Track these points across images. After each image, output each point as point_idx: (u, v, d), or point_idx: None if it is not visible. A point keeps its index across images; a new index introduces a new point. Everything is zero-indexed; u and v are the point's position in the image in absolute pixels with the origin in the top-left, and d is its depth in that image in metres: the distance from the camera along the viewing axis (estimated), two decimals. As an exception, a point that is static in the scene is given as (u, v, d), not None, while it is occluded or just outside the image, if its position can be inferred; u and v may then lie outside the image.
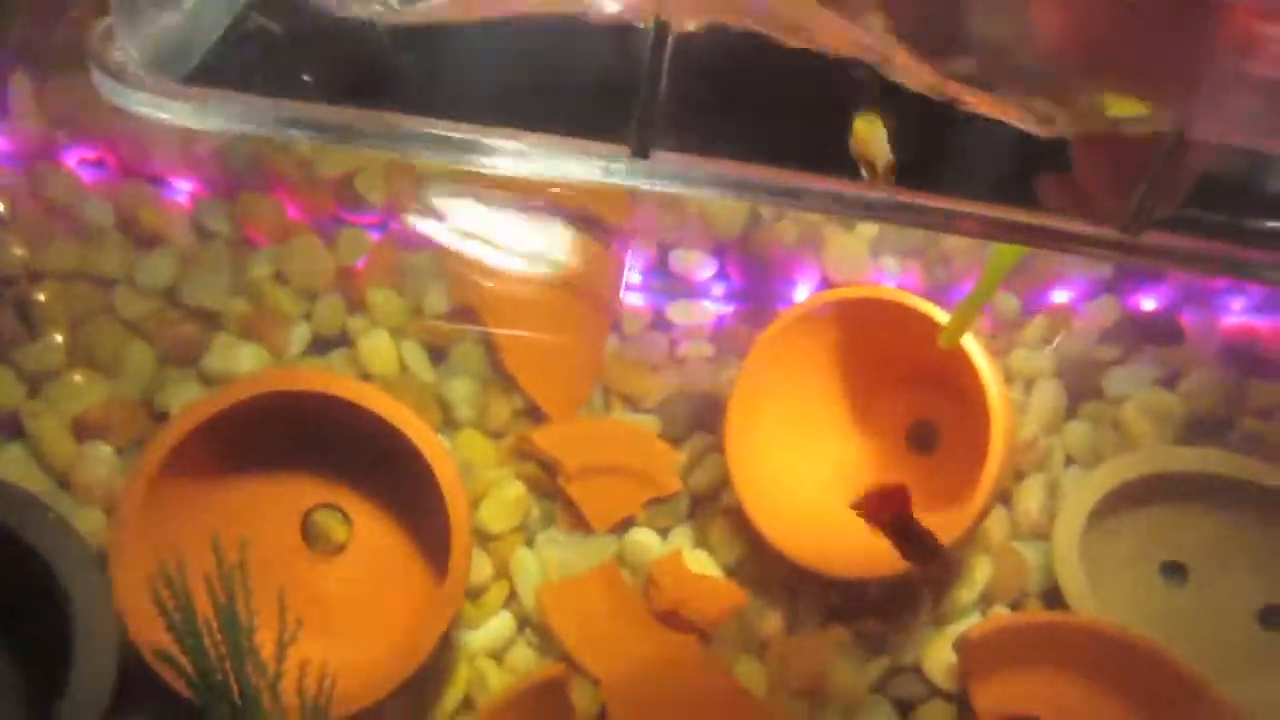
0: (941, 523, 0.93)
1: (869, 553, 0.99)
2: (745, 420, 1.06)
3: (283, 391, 0.99)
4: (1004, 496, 1.04)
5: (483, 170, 0.46)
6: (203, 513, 1.01)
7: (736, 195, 0.46)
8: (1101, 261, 1.03)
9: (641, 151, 0.44)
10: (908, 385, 1.09)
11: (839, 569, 0.99)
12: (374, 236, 1.17)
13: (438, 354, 1.17)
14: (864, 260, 1.12)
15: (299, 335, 1.14)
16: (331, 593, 1.06)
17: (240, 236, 1.14)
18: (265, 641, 0.88)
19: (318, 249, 1.15)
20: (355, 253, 1.16)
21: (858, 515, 0.82)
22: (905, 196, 0.45)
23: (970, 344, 0.93)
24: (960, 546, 0.99)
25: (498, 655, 1.07)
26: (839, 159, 0.45)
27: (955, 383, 1.00)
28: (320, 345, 1.16)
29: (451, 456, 0.98)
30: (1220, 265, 0.46)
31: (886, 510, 0.83)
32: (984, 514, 0.92)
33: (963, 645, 0.94)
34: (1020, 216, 0.45)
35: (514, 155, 0.45)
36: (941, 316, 0.94)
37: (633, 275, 1.21)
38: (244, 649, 0.83)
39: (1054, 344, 1.05)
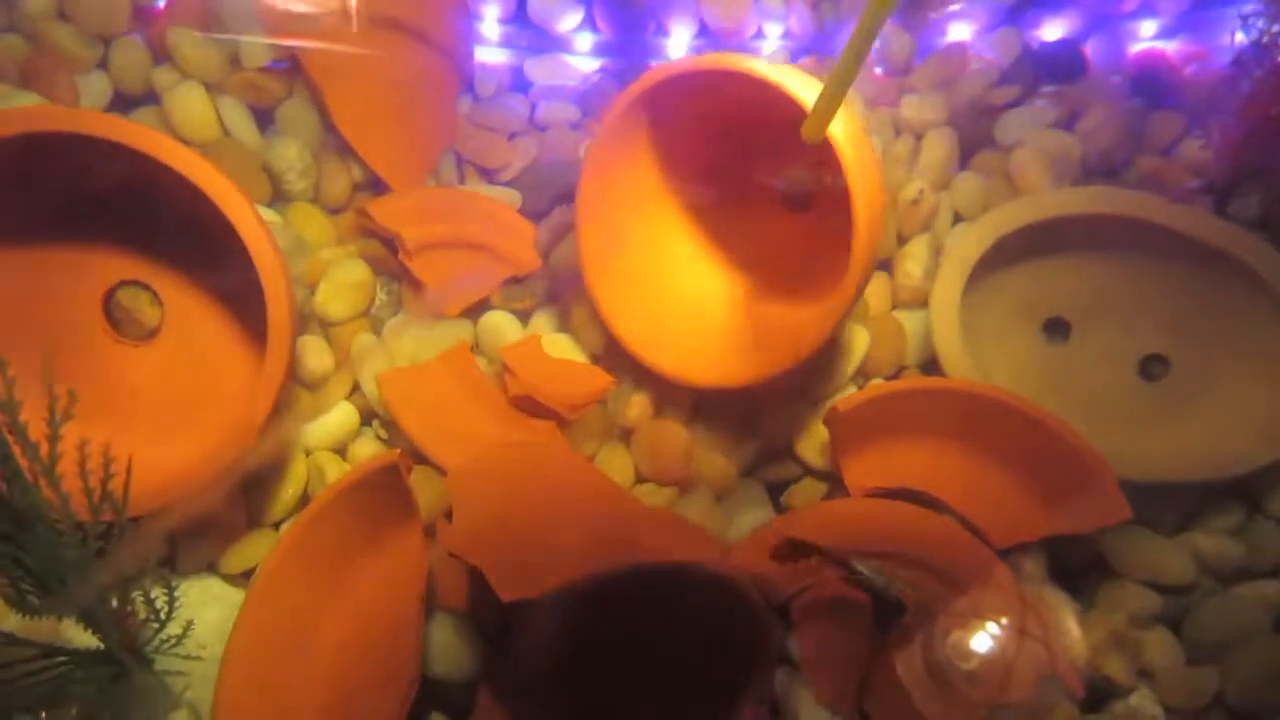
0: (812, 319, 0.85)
1: (727, 359, 0.92)
2: (598, 210, 0.93)
3: (57, 134, 0.82)
4: (885, 263, 0.96)
5: None
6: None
7: None
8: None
9: None
10: (771, 158, 0.96)
11: (695, 376, 0.90)
12: (176, -31, 1.00)
13: (263, 116, 1.02)
14: (745, 2, 0.98)
15: (94, 87, 0.98)
16: (143, 382, 0.94)
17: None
18: (69, 434, 0.77)
19: (105, -21, 0.97)
20: (153, -12, 0.99)
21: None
22: None
23: (838, 133, 0.78)
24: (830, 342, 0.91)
25: (340, 449, 0.98)
26: None
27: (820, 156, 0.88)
28: (123, 102, 1.00)
29: (263, 221, 0.84)
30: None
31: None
32: (849, 309, 0.82)
33: (832, 418, 0.86)
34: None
35: None
36: (797, 90, 0.78)
37: (486, 25, 1.06)
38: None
39: (948, 87, 0.94)
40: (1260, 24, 0.81)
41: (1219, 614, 0.85)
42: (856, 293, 0.80)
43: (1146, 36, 0.99)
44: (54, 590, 0.74)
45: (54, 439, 0.75)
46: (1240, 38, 0.83)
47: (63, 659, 0.78)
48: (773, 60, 1.04)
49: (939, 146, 0.95)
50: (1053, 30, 0.98)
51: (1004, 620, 0.80)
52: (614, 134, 0.90)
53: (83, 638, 0.79)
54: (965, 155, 0.97)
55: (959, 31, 0.99)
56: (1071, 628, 0.84)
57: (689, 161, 0.96)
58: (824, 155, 0.79)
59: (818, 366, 0.94)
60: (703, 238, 1.00)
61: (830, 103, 0.72)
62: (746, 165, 0.97)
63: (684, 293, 0.98)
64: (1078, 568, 0.88)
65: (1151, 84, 0.95)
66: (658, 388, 0.97)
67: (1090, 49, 0.97)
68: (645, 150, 0.94)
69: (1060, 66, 0.94)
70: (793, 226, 0.98)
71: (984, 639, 0.79)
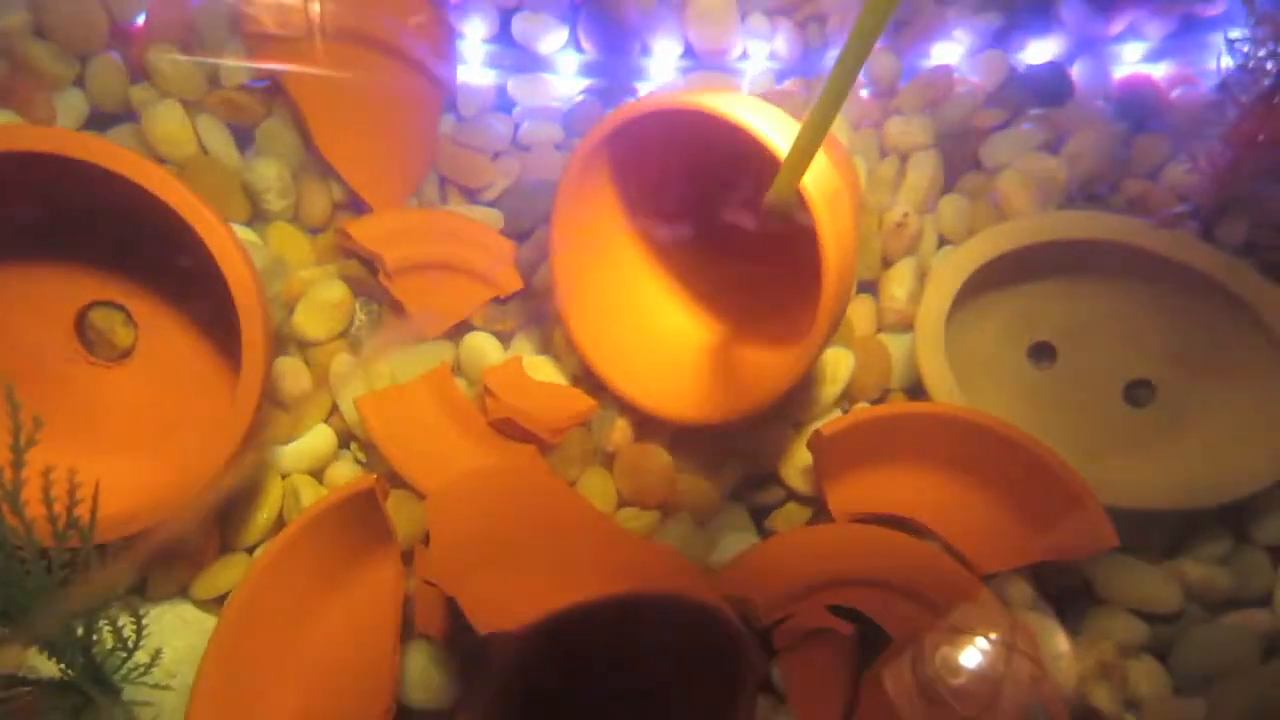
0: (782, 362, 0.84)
1: (699, 396, 0.91)
2: (571, 244, 0.92)
3: (27, 154, 0.80)
4: (870, 286, 0.95)
5: None
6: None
7: None
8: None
9: None
10: (742, 194, 0.95)
11: (668, 411, 0.90)
12: (154, -13, 0.99)
13: (242, 135, 1.01)
14: (730, 21, 0.98)
15: (71, 104, 0.97)
16: (115, 404, 0.93)
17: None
18: (35, 459, 0.75)
19: (83, -3, 0.96)
20: (131, 4, 0.98)
21: None
22: None
23: (810, 186, 0.76)
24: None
25: (317, 472, 0.96)
26: None
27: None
28: (100, 120, 0.99)
29: (237, 242, 0.83)
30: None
31: None
32: (816, 357, 0.82)
33: (816, 443, 0.85)
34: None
35: None
36: (759, 126, 0.77)
37: (469, 45, 1.06)
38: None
39: (933, 109, 0.93)
40: (1246, 49, 0.81)
41: (1207, 643, 0.84)
42: (823, 342, 0.80)
43: (1132, 60, 0.99)
44: (15, 620, 0.72)
45: (18, 464, 0.73)
46: (1226, 62, 0.83)
47: (26, 689, 0.76)
48: (756, 83, 1.04)
49: (924, 169, 0.94)
50: (1038, 53, 0.98)
51: (993, 636, 0.78)
52: (581, 177, 0.89)
53: (48, 667, 0.77)
54: (951, 178, 0.97)
55: (945, 54, 0.99)
56: (1061, 645, 0.83)
57: (659, 200, 0.96)
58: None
59: (801, 391, 0.93)
60: (675, 275, 0.99)
61: (790, 178, 0.71)
62: (717, 202, 0.96)
63: (657, 329, 0.98)
64: (1064, 595, 0.87)
65: (1137, 107, 0.95)
66: (640, 411, 0.96)
67: (1076, 72, 0.97)
68: (614, 191, 0.93)
69: (1046, 90, 0.94)
70: (765, 264, 0.97)
71: (973, 654, 0.77)
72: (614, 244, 0.96)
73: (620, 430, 0.95)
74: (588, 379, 0.98)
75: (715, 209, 0.96)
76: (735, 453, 0.95)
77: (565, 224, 0.91)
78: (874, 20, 0.53)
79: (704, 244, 0.98)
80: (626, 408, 0.94)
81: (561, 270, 0.92)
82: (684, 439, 0.96)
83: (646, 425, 0.95)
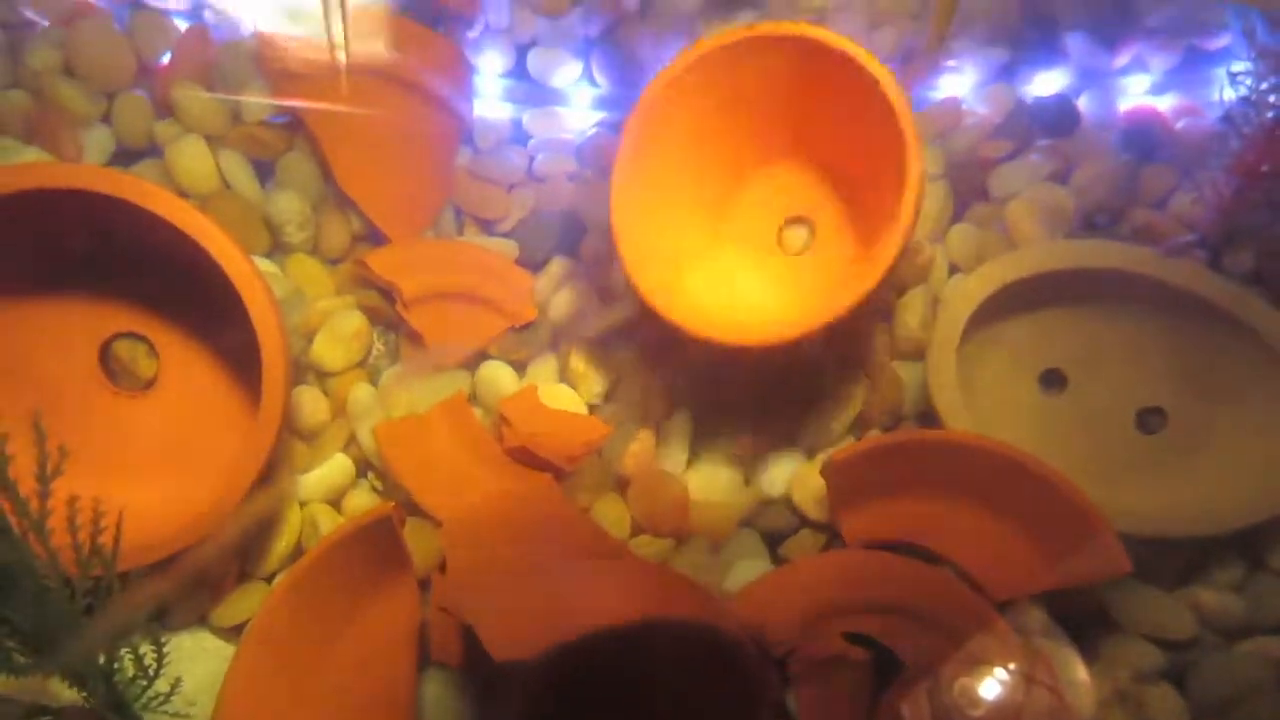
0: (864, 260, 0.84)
1: (759, 319, 0.90)
2: (632, 181, 0.92)
3: (56, 190, 0.82)
4: (884, 313, 0.96)
5: None
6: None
7: None
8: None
9: None
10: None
11: (728, 335, 0.87)
12: (179, 25, 1.02)
13: (263, 169, 1.03)
14: (741, 57, 1.00)
15: (97, 141, 0.99)
16: (138, 433, 0.94)
17: (15, 17, 0.97)
18: (60, 488, 0.76)
19: (112, 35, 0.98)
20: (157, 44, 1.00)
21: None
22: None
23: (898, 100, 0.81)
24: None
25: (334, 501, 0.97)
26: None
27: (867, 137, 0.88)
28: (125, 155, 1.01)
29: (259, 274, 0.85)
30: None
31: None
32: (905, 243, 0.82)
33: (829, 469, 0.86)
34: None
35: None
36: (851, 46, 0.82)
37: (485, 79, 1.08)
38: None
39: (942, 140, 0.95)
40: (1248, 82, 0.82)
41: (1222, 671, 0.84)
42: (911, 224, 0.80)
43: (1138, 93, 1.01)
44: (40, 648, 0.73)
45: (44, 494, 0.74)
46: (1229, 95, 0.84)
47: (48, 718, 0.77)
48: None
49: (935, 199, 0.96)
50: (1045, 86, 1.00)
51: (1012, 666, 0.78)
52: (644, 123, 0.91)
53: (69, 695, 0.77)
54: (960, 207, 0.98)
55: (953, 86, 1.01)
56: (1079, 673, 0.82)
57: (735, 128, 0.95)
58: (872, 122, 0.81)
59: (813, 418, 0.94)
60: (733, 212, 0.99)
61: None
62: (793, 134, 0.96)
63: (725, 246, 0.98)
64: (1078, 621, 0.87)
65: (1143, 139, 0.96)
66: (657, 432, 0.97)
67: (1083, 104, 0.99)
68: (692, 114, 0.93)
69: (1053, 121, 0.95)
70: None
71: (992, 685, 0.77)
72: (677, 187, 0.96)
73: (634, 456, 0.96)
74: (604, 405, 0.99)
75: (789, 139, 0.96)
76: (749, 479, 0.95)
77: (631, 152, 0.92)
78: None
79: (775, 171, 0.98)
80: (647, 420, 0.94)
81: (621, 218, 0.91)
82: (698, 464, 0.96)
83: (660, 451, 0.96)
